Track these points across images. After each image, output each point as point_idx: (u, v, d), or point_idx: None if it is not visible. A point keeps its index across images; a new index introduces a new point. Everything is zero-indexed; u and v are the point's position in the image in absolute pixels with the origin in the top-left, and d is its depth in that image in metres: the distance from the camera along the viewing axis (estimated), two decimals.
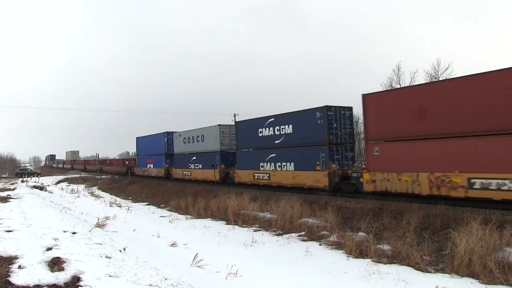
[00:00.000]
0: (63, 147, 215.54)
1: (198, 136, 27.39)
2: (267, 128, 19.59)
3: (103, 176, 46.90)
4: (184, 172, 29.30)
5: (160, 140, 33.62)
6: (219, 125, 24.76)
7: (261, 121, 20.20)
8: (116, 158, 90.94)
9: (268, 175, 19.58)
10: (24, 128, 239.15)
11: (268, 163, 19.53)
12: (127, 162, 47.19)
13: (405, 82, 29.17)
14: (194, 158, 27.81)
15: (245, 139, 21.70)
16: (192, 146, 28.30)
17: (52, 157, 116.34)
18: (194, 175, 27.60)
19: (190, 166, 28.42)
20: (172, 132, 32.40)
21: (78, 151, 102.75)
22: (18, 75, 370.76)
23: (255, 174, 20.54)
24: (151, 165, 36.05)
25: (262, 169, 20.00)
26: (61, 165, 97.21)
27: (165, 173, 32.83)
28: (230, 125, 25.14)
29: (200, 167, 26.85)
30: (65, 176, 53.17)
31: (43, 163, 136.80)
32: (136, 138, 40.37)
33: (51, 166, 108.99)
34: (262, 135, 19.92)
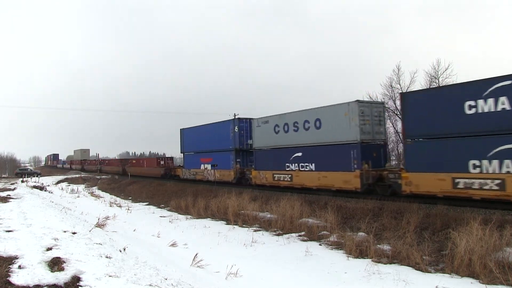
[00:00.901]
0: (63, 146, 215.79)
1: (307, 121, 18.17)
2: (490, 100, 11.49)
3: (103, 176, 46.93)
4: (276, 175, 20.10)
5: (226, 131, 24.48)
6: (357, 101, 15.85)
7: (472, 88, 12.01)
8: (116, 158, 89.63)
9: (498, 182, 11.37)
10: (24, 128, 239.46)
11: (494, 161, 11.54)
12: (162, 162, 38.09)
13: (405, 82, 29.16)
14: (299, 154, 18.85)
15: (425, 121, 13.29)
16: (294, 136, 19.05)
17: (55, 157, 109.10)
18: (301, 181, 18.52)
19: (289, 166, 19.31)
20: (248, 119, 23.51)
21: (89, 150, 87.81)
22: (17, 74, 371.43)
23: (457, 180, 12.31)
24: (208, 166, 26.77)
25: (477, 171, 11.84)
26: (68, 166, 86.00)
27: (236, 176, 23.65)
28: (371, 102, 16.48)
29: (313, 168, 17.94)
30: (65, 176, 53.24)
31: (43, 163, 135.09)
32: (181, 130, 31.03)
33: (55, 166, 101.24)
34: (476, 112, 11.84)
